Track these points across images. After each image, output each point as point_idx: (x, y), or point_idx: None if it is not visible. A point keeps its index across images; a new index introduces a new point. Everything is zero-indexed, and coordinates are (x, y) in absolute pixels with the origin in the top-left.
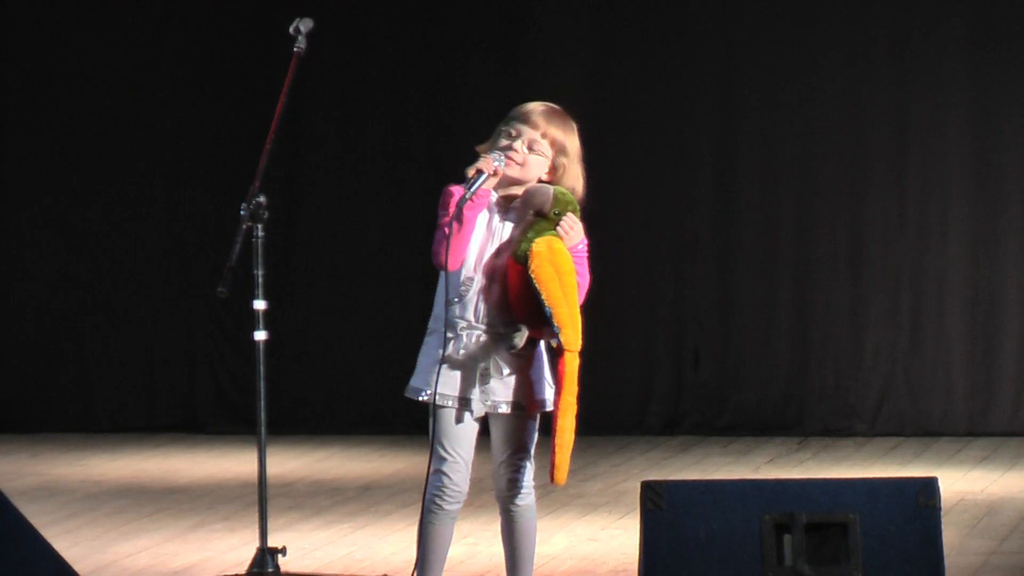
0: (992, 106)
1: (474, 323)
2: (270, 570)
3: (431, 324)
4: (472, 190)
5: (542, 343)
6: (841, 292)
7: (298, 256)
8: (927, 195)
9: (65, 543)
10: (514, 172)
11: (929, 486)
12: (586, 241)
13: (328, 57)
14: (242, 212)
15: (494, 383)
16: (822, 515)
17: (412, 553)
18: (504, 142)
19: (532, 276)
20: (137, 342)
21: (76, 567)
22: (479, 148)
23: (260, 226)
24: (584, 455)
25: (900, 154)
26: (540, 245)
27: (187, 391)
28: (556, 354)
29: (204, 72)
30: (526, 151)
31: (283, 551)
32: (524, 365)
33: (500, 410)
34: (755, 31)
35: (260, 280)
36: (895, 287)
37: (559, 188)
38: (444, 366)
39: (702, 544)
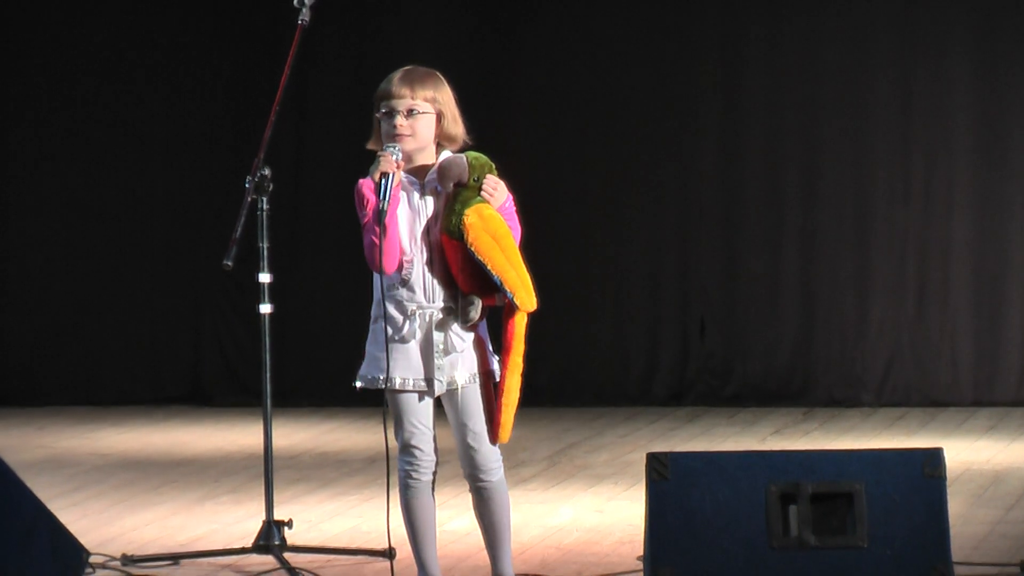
0: (998, 74)
1: (425, 303)
2: (276, 542)
3: (375, 310)
4: (387, 199)
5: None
6: (847, 262)
7: (303, 228)
8: (932, 164)
9: (72, 516)
10: (410, 146)
11: (935, 456)
12: (512, 196)
13: (334, 28)
14: (247, 184)
15: (452, 358)
16: (828, 485)
17: None
18: (385, 127)
19: (472, 249)
20: (143, 314)
21: (83, 540)
22: (370, 145)
23: (265, 198)
24: (590, 426)
25: (905, 123)
26: (471, 216)
27: (193, 363)
28: (504, 315)
29: (209, 44)
30: (407, 121)
31: (289, 523)
32: (475, 335)
33: (462, 383)
34: (758, 1)
35: (265, 252)
36: (901, 257)
37: (471, 153)
38: (400, 349)
39: (708, 515)
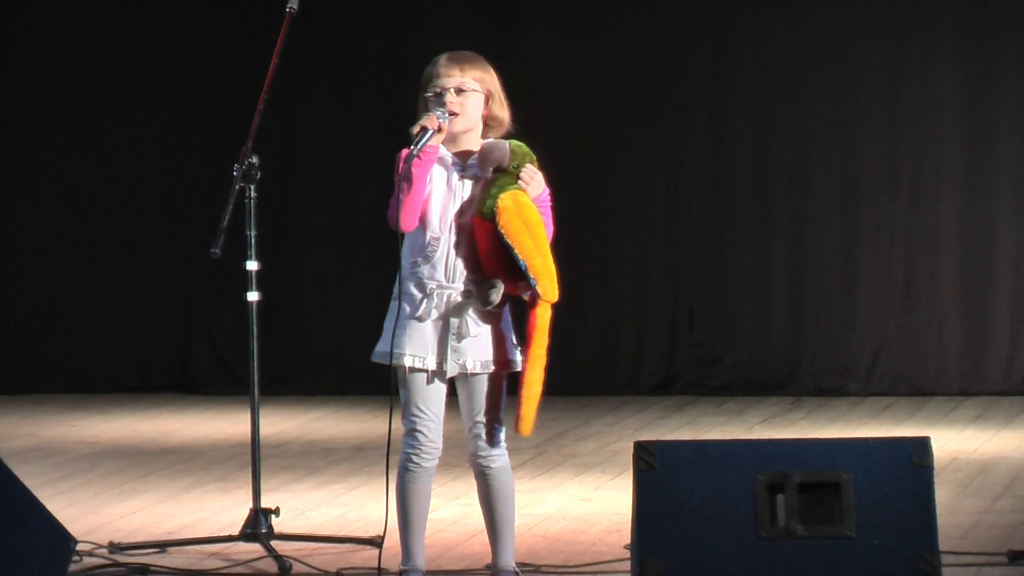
0: (985, 62)
1: (445, 283)
2: (264, 531)
3: (396, 287)
4: (419, 146)
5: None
6: (834, 251)
7: (291, 217)
8: (920, 155)
9: (59, 504)
10: (459, 124)
11: (922, 445)
12: (548, 190)
13: (324, 16)
14: (235, 173)
15: (465, 343)
16: (815, 475)
17: None
18: (435, 107)
19: (502, 231)
20: (132, 303)
21: (70, 528)
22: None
23: (253, 187)
24: (577, 415)
25: (893, 114)
26: (506, 200)
27: (182, 352)
28: (528, 307)
29: (198, 33)
30: (458, 98)
31: (276, 512)
32: (493, 324)
33: (472, 369)
34: None
35: (253, 241)
36: (888, 246)
37: (514, 141)
38: (415, 327)
39: (695, 504)
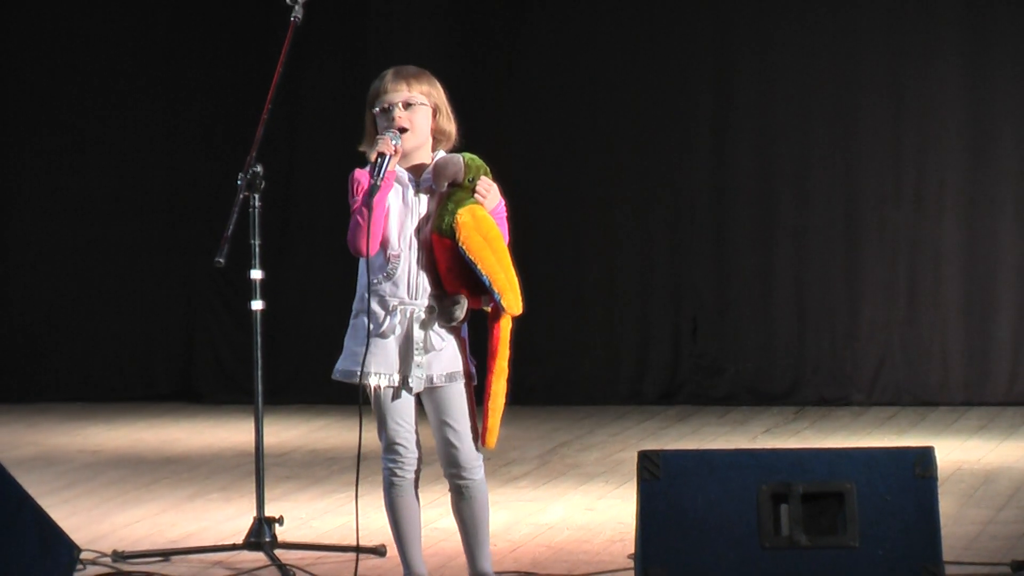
0: (988, 72)
1: (407, 300)
2: (267, 540)
3: (356, 305)
4: (380, 176)
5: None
6: (838, 262)
7: (295, 226)
8: (923, 164)
9: (63, 512)
10: (410, 141)
11: (926, 456)
12: (504, 201)
13: (328, 26)
14: (239, 182)
15: (429, 357)
16: (819, 485)
17: None
18: (382, 123)
19: (463, 247)
20: (135, 311)
21: (74, 536)
22: (362, 147)
23: (257, 196)
24: (581, 425)
25: (895, 124)
26: (464, 215)
27: (185, 361)
28: (490, 319)
29: (203, 41)
30: (405, 113)
31: (280, 521)
32: (455, 335)
33: (437, 383)
34: (750, 4)
35: (257, 250)
36: (892, 256)
37: (468, 155)
38: (379, 344)
39: (699, 514)
